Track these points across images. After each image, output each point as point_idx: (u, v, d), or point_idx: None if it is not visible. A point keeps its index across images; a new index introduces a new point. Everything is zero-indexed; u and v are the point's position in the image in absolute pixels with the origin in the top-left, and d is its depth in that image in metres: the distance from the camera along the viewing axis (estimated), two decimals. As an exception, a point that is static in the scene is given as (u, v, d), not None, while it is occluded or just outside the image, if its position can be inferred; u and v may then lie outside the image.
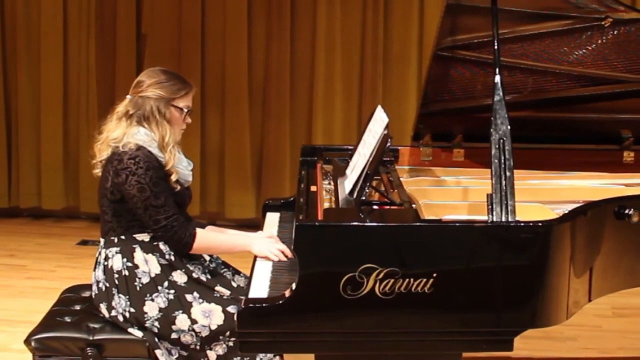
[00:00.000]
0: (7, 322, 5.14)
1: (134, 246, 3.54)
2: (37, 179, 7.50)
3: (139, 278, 3.51)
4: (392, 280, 2.91)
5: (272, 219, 4.14)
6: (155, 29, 7.23)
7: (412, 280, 2.92)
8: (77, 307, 3.79)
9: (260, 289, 3.23)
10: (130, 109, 3.57)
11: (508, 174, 3.12)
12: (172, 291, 3.50)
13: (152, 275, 3.52)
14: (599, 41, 3.99)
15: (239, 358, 3.47)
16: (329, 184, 3.96)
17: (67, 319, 3.66)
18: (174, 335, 3.47)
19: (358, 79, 7.16)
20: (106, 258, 3.57)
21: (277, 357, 3.52)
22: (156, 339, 3.48)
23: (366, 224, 3.01)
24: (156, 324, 3.47)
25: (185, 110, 3.62)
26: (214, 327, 3.45)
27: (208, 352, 3.47)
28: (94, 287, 3.63)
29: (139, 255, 3.53)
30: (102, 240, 3.63)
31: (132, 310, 3.50)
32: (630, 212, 3.35)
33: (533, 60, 4.05)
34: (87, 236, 7.01)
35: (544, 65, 4.08)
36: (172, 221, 3.48)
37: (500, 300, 3.01)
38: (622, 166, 4.32)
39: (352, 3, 7.06)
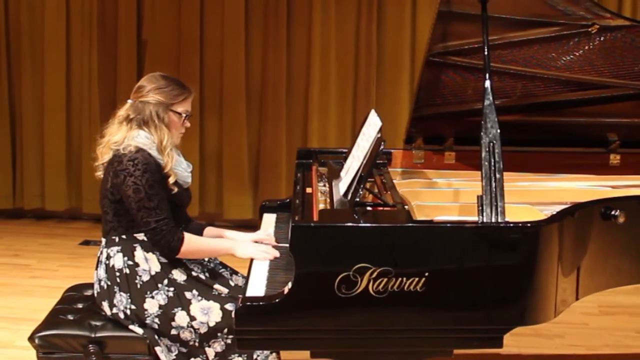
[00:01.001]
0: (12, 319, 5.13)
1: (135, 245, 3.54)
2: (40, 181, 7.51)
3: (140, 276, 3.51)
4: (385, 279, 2.91)
5: (269, 220, 4.14)
6: (155, 36, 7.23)
7: (404, 279, 2.91)
8: (80, 306, 3.78)
9: (257, 287, 3.22)
10: (130, 113, 3.57)
11: (498, 176, 3.12)
12: (172, 289, 3.50)
13: (152, 273, 3.51)
14: (586, 47, 3.99)
15: (236, 355, 3.47)
16: (324, 185, 3.96)
17: (70, 317, 3.66)
18: (173, 332, 3.46)
19: (352, 84, 7.18)
20: (108, 257, 3.56)
21: (274, 354, 3.51)
22: (156, 336, 3.47)
23: (360, 224, 3.00)
24: (156, 320, 3.47)
25: (184, 114, 3.62)
26: (212, 324, 3.45)
27: (206, 349, 3.47)
28: (96, 286, 3.63)
29: (139, 253, 3.53)
30: (103, 240, 3.62)
31: (133, 307, 3.49)
32: (616, 213, 3.35)
33: (522, 65, 4.05)
34: (89, 236, 7.02)
35: (533, 71, 4.07)
36: (162, 225, 3.47)
37: (490, 298, 3.01)
38: (609, 168, 4.32)
39: (347, 11, 7.07)
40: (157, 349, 3.46)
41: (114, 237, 3.57)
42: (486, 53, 3.46)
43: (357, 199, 3.33)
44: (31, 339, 3.54)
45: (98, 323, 3.56)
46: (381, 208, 3.39)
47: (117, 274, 3.53)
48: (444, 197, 3.85)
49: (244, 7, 7.11)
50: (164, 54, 7.20)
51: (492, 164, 3.14)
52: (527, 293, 3.03)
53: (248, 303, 2.96)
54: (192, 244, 3.54)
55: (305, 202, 3.60)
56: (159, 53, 7.21)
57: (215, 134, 7.33)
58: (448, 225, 3.11)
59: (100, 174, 3.64)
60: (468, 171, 4.19)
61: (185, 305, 3.47)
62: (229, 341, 3.45)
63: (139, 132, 3.54)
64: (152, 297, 3.48)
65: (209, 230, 3.88)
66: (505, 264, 3.00)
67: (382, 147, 3.35)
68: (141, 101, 3.57)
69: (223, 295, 3.53)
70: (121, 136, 3.54)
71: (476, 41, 3.85)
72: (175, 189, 3.57)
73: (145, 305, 3.48)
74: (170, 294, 3.49)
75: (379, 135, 3.37)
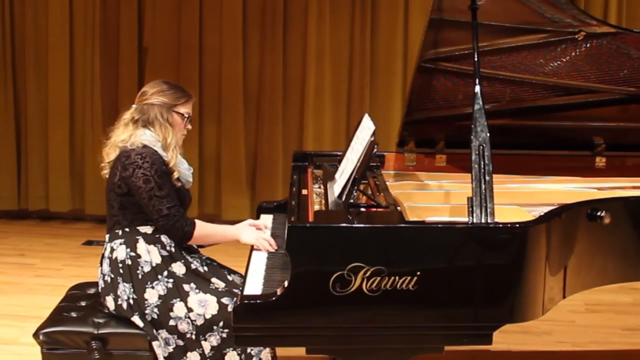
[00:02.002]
0: (18, 317, 5.13)
1: (137, 237, 3.57)
2: (45, 183, 7.49)
3: (141, 267, 3.54)
4: (378, 278, 2.90)
5: (266, 220, 4.12)
6: (156, 43, 7.23)
7: (397, 278, 2.91)
8: (83, 303, 3.79)
9: (254, 286, 3.22)
10: (135, 115, 3.65)
11: (487, 178, 3.12)
12: (171, 280, 3.53)
13: (153, 264, 3.54)
14: (573, 53, 3.99)
15: (232, 349, 3.47)
16: (319, 187, 3.96)
17: (73, 314, 3.66)
18: (171, 322, 3.48)
19: (346, 90, 7.18)
20: (111, 251, 3.59)
21: (268, 348, 3.51)
22: (155, 330, 3.48)
23: (354, 225, 3.00)
24: (155, 310, 3.49)
25: (186, 116, 3.70)
26: (208, 317, 3.46)
27: (202, 342, 3.47)
28: (100, 282, 3.64)
29: (141, 246, 3.56)
30: (107, 237, 3.65)
31: (135, 296, 3.51)
32: (602, 214, 3.35)
33: (511, 71, 4.05)
34: (92, 237, 7.01)
35: (521, 76, 4.07)
36: (174, 211, 3.52)
37: (480, 297, 3.01)
38: (595, 171, 4.32)
39: (341, 18, 7.08)
40: (155, 343, 3.47)
41: (117, 231, 3.60)
42: (476, 59, 3.46)
43: (351, 201, 3.33)
44: (36, 335, 3.54)
45: (100, 320, 3.57)
46: (374, 209, 3.39)
47: (120, 265, 3.55)
48: (436, 198, 3.85)
49: (242, 15, 7.12)
50: (164, 60, 7.20)
51: (482, 166, 3.14)
52: (515, 291, 3.02)
53: (245, 301, 2.96)
54: (203, 228, 3.62)
55: (301, 203, 3.61)
56: (160, 60, 7.21)
57: (213, 137, 7.33)
58: (439, 225, 3.11)
59: (106, 172, 3.68)
60: (459, 173, 4.19)
61: (184, 296, 3.49)
62: (224, 335, 3.45)
63: (145, 131, 3.62)
64: (152, 288, 3.51)
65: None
66: (495, 264, 2.99)
67: (375, 150, 3.34)
68: (146, 104, 3.65)
69: (220, 289, 3.55)
70: (127, 135, 3.61)
71: (467, 47, 3.84)
72: (179, 184, 3.64)
73: (146, 295, 3.50)
74: (170, 285, 3.52)
75: (372, 139, 3.37)
